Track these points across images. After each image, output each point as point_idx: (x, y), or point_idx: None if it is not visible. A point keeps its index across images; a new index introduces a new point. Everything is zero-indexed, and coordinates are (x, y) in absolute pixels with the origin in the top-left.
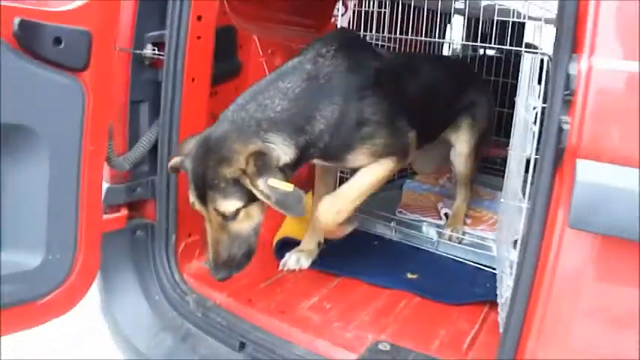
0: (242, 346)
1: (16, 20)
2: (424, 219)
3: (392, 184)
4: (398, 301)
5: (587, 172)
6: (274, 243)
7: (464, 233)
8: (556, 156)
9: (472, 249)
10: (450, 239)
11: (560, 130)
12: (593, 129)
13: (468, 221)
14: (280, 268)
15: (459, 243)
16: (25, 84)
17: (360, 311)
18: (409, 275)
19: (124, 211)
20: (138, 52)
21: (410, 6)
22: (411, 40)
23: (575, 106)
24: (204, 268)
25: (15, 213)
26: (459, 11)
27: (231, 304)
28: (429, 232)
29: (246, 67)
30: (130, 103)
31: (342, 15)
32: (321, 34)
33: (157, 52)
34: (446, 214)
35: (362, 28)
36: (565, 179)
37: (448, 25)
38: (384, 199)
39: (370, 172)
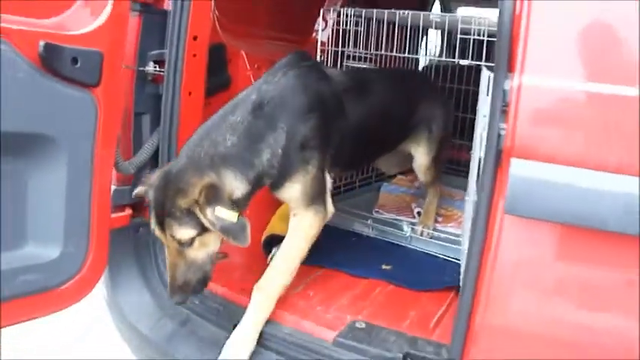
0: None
1: (41, 43)
2: (399, 217)
3: (370, 187)
4: (373, 289)
5: (519, 169)
6: (262, 239)
7: (435, 229)
8: (496, 156)
9: (442, 243)
10: (421, 235)
11: (499, 135)
12: (523, 134)
13: (440, 219)
14: (268, 262)
15: (430, 238)
16: (48, 98)
17: (340, 297)
18: (384, 266)
19: (129, 211)
20: (141, 69)
21: (384, 22)
22: (387, 55)
23: (508, 116)
24: None
25: (38, 210)
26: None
27: (226, 292)
28: (403, 228)
29: (235, 81)
30: (134, 114)
31: (323, 30)
32: (303, 48)
33: (157, 69)
34: (419, 213)
35: (340, 44)
36: (503, 175)
37: (424, 39)
38: (362, 200)
39: (295, 238)
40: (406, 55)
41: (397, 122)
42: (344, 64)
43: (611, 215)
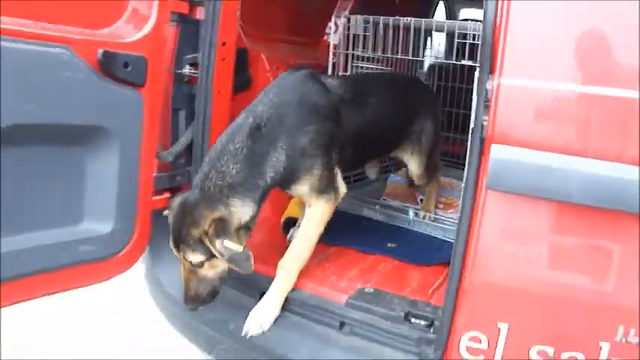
0: (261, 295)
1: (100, 51)
2: (404, 204)
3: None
4: (380, 263)
5: (498, 152)
6: (282, 222)
7: (436, 214)
8: (480, 143)
9: (442, 226)
10: (423, 218)
11: (482, 125)
12: (501, 124)
13: (440, 206)
14: (287, 241)
15: (432, 221)
16: (105, 97)
17: (351, 269)
18: (389, 245)
19: (167, 195)
20: (179, 71)
21: (390, 27)
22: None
23: (489, 110)
24: None
25: (94, 191)
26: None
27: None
28: (408, 213)
29: (256, 81)
30: (172, 110)
31: (334, 33)
32: (315, 50)
33: (192, 71)
34: (421, 200)
35: (350, 47)
36: (486, 157)
37: (429, 40)
38: (371, 189)
39: (310, 225)
40: (410, 57)
41: (391, 132)
42: (353, 64)
43: (571, 189)
